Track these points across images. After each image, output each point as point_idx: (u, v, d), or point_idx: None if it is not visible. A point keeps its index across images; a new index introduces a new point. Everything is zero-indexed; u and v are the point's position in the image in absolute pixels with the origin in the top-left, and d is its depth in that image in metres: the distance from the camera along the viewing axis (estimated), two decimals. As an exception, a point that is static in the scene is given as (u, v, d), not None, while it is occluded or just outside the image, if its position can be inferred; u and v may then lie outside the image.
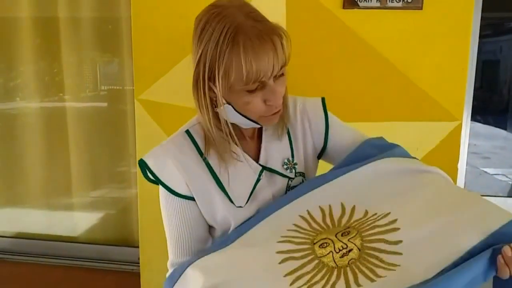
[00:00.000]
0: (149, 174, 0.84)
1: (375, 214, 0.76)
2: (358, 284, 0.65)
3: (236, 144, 0.85)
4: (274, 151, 0.88)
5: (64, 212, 1.95)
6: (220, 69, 0.73)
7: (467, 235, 0.65)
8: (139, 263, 1.62)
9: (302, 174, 0.91)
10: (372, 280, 0.65)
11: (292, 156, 0.90)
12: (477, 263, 0.61)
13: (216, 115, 0.81)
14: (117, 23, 1.74)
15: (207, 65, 0.75)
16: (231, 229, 0.85)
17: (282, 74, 0.78)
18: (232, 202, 0.83)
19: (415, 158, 0.87)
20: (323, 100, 0.94)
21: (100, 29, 1.77)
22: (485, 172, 4.14)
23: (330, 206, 0.81)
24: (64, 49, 1.79)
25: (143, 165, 0.83)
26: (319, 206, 0.82)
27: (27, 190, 1.95)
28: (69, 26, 1.77)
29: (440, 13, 1.34)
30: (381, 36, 1.37)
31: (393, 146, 0.89)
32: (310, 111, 0.93)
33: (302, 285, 0.68)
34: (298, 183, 0.89)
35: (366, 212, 0.77)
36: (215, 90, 0.76)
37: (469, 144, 1.52)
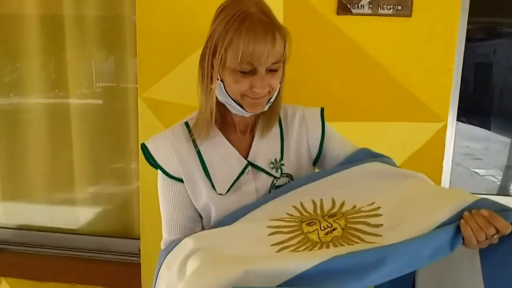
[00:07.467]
0: (148, 157, 0.93)
1: (362, 206, 0.82)
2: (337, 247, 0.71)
3: (216, 125, 0.92)
4: (264, 150, 0.94)
5: (66, 206, 1.99)
6: (223, 45, 0.81)
7: (439, 214, 0.72)
8: (139, 254, 1.67)
9: (289, 175, 0.95)
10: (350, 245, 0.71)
11: (282, 157, 0.95)
12: (442, 231, 0.68)
13: (210, 93, 0.87)
14: (120, 22, 1.78)
15: (213, 41, 0.83)
16: (212, 217, 0.91)
17: (276, 70, 0.84)
18: (214, 188, 0.90)
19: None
20: (322, 110, 1.00)
21: (103, 28, 1.81)
22: (476, 173, 4.23)
23: (321, 199, 0.88)
24: (68, 47, 1.83)
25: (144, 149, 0.92)
26: (312, 199, 0.88)
27: (30, 184, 1.99)
28: (74, 24, 1.81)
29: (428, 20, 1.41)
30: (372, 41, 1.44)
31: (384, 156, 0.96)
32: (309, 119, 0.99)
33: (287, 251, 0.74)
34: (283, 183, 0.94)
35: (354, 206, 0.83)
36: (214, 65, 0.84)
37: (461, 146, 1.58)
